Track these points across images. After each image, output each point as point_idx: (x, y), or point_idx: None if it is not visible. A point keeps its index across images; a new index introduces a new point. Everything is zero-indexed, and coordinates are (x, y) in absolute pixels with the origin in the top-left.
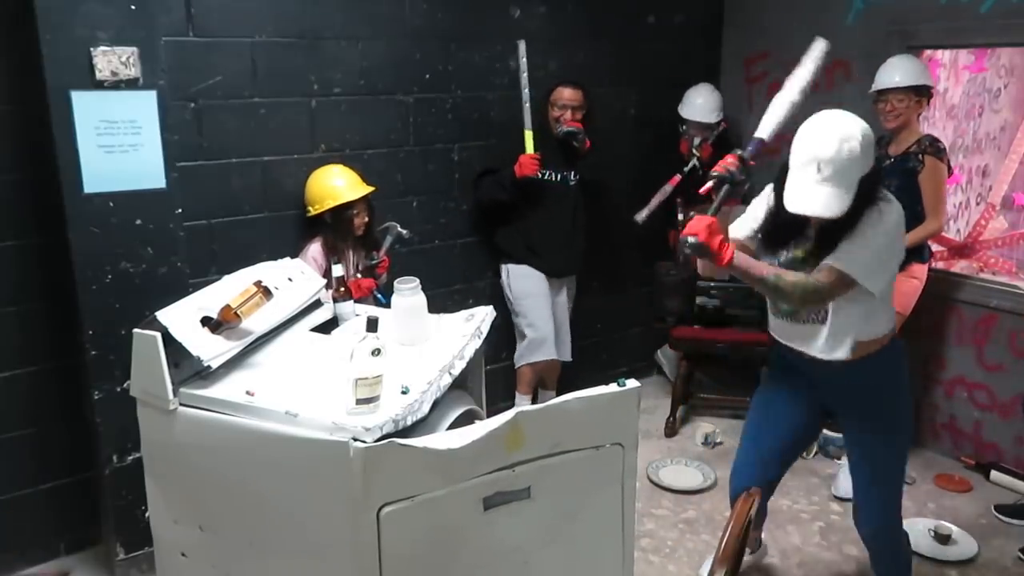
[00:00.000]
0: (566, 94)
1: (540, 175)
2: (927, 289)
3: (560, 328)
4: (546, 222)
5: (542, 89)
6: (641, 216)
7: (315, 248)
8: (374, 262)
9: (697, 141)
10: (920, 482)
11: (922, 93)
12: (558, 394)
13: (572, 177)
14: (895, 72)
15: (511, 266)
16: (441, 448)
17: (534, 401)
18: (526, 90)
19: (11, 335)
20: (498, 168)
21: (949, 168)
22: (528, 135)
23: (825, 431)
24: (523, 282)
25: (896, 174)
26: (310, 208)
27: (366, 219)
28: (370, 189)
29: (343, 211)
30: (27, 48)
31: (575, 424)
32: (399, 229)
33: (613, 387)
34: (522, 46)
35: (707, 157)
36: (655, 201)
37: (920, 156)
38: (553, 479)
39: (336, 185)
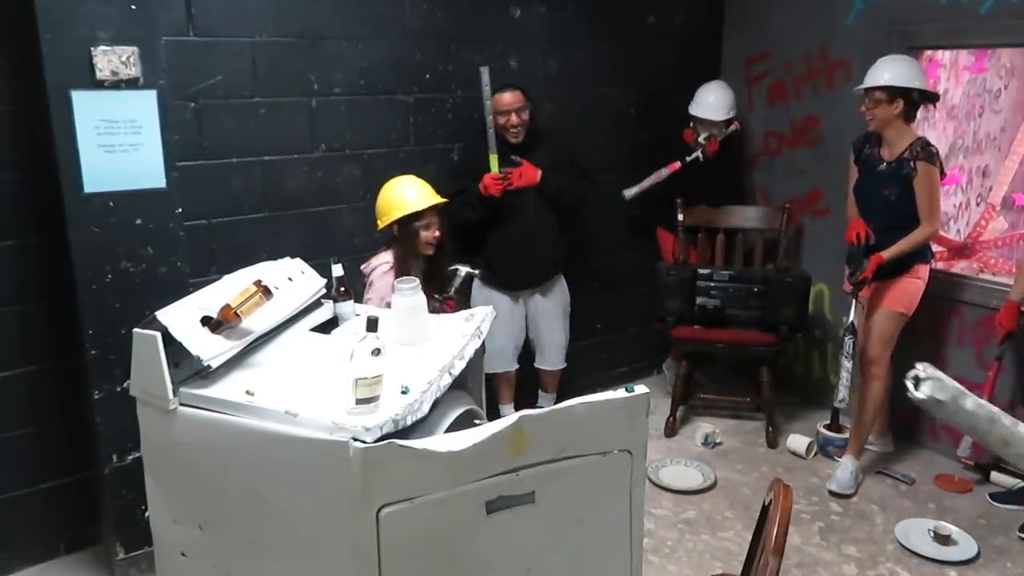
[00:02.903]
0: (505, 99)
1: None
2: (927, 289)
3: (540, 337)
4: (503, 235)
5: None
6: (629, 193)
7: (382, 268)
8: (441, 297)
9: (704, 135)
10: (920, 482)
11: (896, 95)
12: (559, 396)
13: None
14: (872, 72)
15: (476, 283)
16: (441, 450)
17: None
18: (490, 116)
19: (11, 335)
20: (464, 187)
21: (942, 171)
22: (493, 158)
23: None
24: (480, 301)
25: (894, 181)
26: (378, 221)
27: (437, 233)
28: (440, 200)
29: (411, 223)
30: (27, 48)
31: (581, 429)
32: (468, 269)
33: (621, 392)
34: (485, 73)
35: (711, 153)
36: (648, 182)
37: (913, 163)
38: (558, 485)
39: (406, 195)
